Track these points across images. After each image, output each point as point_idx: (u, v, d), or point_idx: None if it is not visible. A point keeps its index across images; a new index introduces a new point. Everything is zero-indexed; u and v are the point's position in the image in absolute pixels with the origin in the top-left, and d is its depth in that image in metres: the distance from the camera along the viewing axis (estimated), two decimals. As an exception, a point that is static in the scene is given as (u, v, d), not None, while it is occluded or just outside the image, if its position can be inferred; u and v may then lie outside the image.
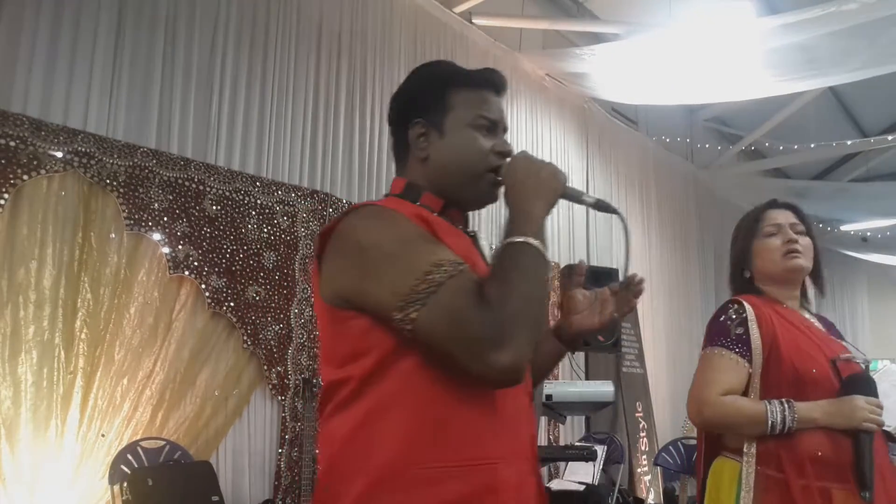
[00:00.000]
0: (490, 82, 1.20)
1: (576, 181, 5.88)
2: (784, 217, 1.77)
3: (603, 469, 4.12)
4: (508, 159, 1.14)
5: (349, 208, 1.10)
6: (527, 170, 1.10)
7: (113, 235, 3.03)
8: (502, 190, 1.13)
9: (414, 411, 0.99)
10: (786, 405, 1.56)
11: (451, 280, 0.95)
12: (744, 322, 1.67)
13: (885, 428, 1.95)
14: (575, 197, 1.14)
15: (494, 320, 0.93)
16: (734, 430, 1.65)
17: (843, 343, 1.75)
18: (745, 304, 1.70)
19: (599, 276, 5.19)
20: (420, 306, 0.95)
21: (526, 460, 1.07)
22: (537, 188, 1.08)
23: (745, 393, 1.65)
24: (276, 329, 3.52)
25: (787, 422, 1.55)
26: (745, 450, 1.61)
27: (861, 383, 1.61)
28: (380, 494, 0.97)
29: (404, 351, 0.99)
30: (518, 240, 1.01)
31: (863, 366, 1.68)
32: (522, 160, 1.12)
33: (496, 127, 1.17)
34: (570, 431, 5.21)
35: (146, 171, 3.13)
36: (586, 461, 3.54)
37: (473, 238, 1.20)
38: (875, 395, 1.60)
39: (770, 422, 1.55)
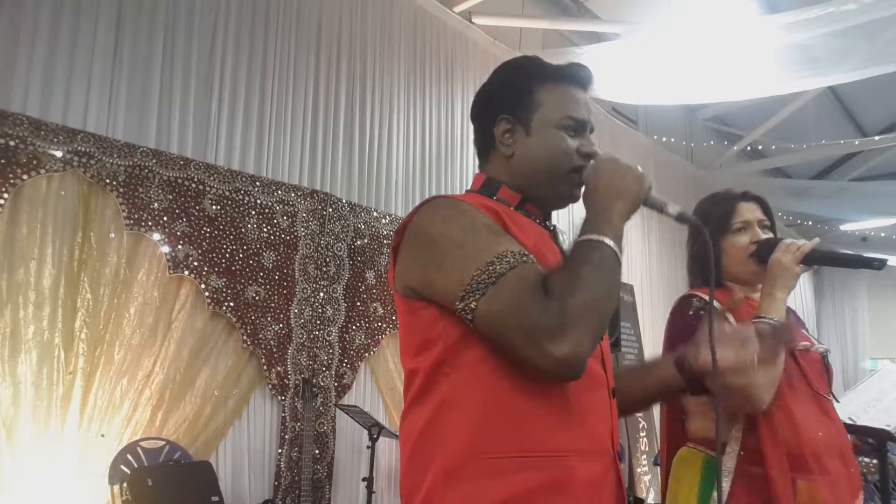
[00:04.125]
0: (576, 78, 1.18)
1: (576, 181, 5.87)
2: (752, 213, 1.71)
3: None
4: (592, 161, 1.14)
5: (423, 201, 1.11)
6: (612, 173, 1.09)
7: (113, 235, 3.02)
8: (582, 190, 1.13)
9: (482, 402, 1.00)
10: (766, 323, 1.50)
11: (512, 271, 0.96)
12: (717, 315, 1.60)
13: (885, 427, 1.94)
14: (657, 205, 1.12)
15: (555, 311, 0.93)
16: (774, 381, 1.50)
17: (804, 333, 1.73)
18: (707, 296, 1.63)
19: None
20: (480, 296, 0.96)
21: (604, 455, 1.05)
22: (620, 192, 1.07)
23: None
24: (276, 329, 3.52)
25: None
26: (728, 447, 1.54)
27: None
28: (452, 483, 0.99)
29: (470, 341, 1.01)
30: (593, 237, 1.01)
31: (823, 355, 1.66)
32: (608, 163, 1.11)
33: (583, 127, 1.16)
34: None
35: (146, 170, 3.13)
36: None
37: (553, 233, 1.19)
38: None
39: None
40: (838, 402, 1.84)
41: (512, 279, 0.96)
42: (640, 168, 1.10)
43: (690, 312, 1.61)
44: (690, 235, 1.79)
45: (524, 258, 0.99)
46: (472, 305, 0.96)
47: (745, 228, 1.69)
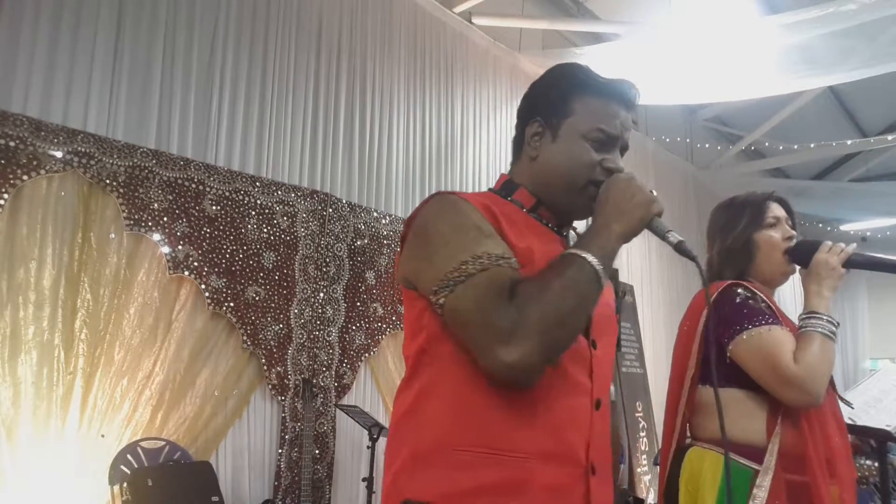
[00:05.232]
0: (618, 94, 1.16)
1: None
2: (780, 210, 1.75)
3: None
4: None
5: (431, 195, 1.13)
6: (622, 190, 1.07)
7: (113, 235, 3.02)
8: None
9: (454, 394, 1.03)
10: (818, 317, 1.54)
11: (484, 272, 0.98)
12: (760, 299, 1.61)
13: (885, 427, 1.94)
14: (659, 231, 1.09)
15: (512, 316, 0.94)
16: (829, 372, 1.53)
17: None
18: (750, 286, 1.64)
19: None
20: (449, 292, 0.99)
21: (573, 464, 1.03)
22: (623, 211, 1.05)
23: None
24: (276, 329, 3.52)
25: (833, 322, 1.54)
26: (767, 450, 1.50)
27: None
28: (416, 469, 1.02)
29: (448, 334, 1.04)
30: (576, 252, 1.00)
31: None
32: (622, 180, 1.09)
33: (613, 142, 1.14)
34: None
35: (146, 171, 3.13)
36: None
37: (566, 238, 1.19)
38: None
39: (828, 332, 1.52)
40: (853, 407, 1.85)
41: (481, 280, 0.97)
42: (653, 192, 1.09)
43: (738, 300, 1.61)
44: (714, 231, 1.80)
45: (500, 261, 0.99)
46: (441, 301, 0.99)
47: (777, 224, 1.71)
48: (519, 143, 1.21)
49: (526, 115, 1.20)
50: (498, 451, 0.99)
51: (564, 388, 1.03)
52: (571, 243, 1.17)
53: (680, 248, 1.09)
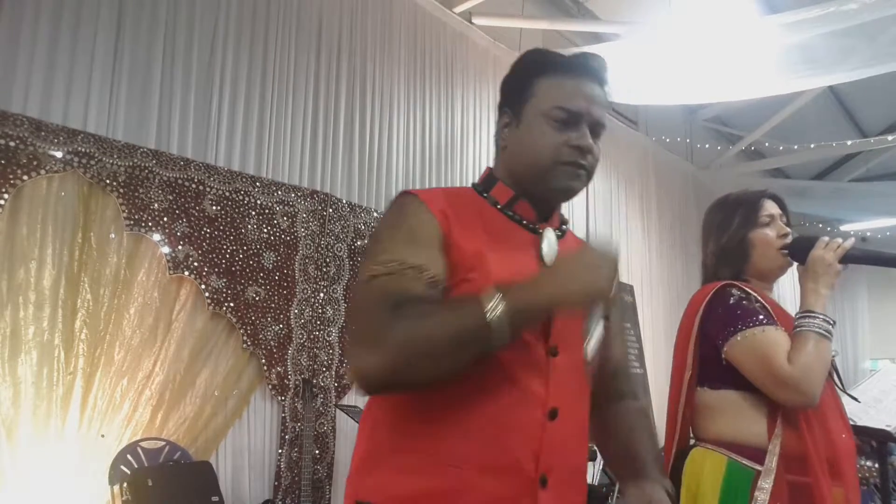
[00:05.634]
0: (580, 69, 1.09)
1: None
2: (774, 208, 1.74)
3: (603, 469, 4.12)
4: (589, 156, 1.09)
5: (396, 194, 1.13)
6: (575, 258, 0.99)
7: (113, 236, 3.02)
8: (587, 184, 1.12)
9: (401, 400, 1.03)
10: (814, 316, 1.52)
11: (386, 276, 0.97)
12: (754, 299, 1.60)
13: (885, 427, 1.94)
14: (589, 323, 1.03)
15: (382, 326, 0.93)
16: (825, 372, 1.51)
17: None
18: (744, 287, 1.63)
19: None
20: (355, 293, 1.07)
21: (516, 476, 0.98)
22: (568, 278, 0.96)
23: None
24: (276, 329, 3.52)
25: (829, 320, 1.52)
26: (768, 449, 1.49)
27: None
28: (364, 471, 1.04)
29: None
30: (483, 301, 0.92)
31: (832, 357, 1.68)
32: (586, 249, 1.01)
33: (577, 119, 1.07)
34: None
35: (146, 171, 3.13)
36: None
37: (541, 236, 1.12)
38: None
39: (823, 330, 1.50)
40: (859, 401, 1.84)
41: (379, 283, 0.97)
42: (612, 284, 0.99)
43: (731, 301, 1.59)
44: (709, 231, 1.79)
45: (407, 270, 0.97)
46: (349, 304, 1.02)
47: (771, 222, 1.70)
48: (496, 137, 1.19)
49: (499, 109, 1.18)
50: (436, 460, 0.98)
51: (512, 397, 0.99)
52: (545, 244, 1.11)
53: (589, 352, 1.03)
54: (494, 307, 0.91)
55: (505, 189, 1.13)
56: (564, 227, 1.20)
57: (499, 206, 1.12)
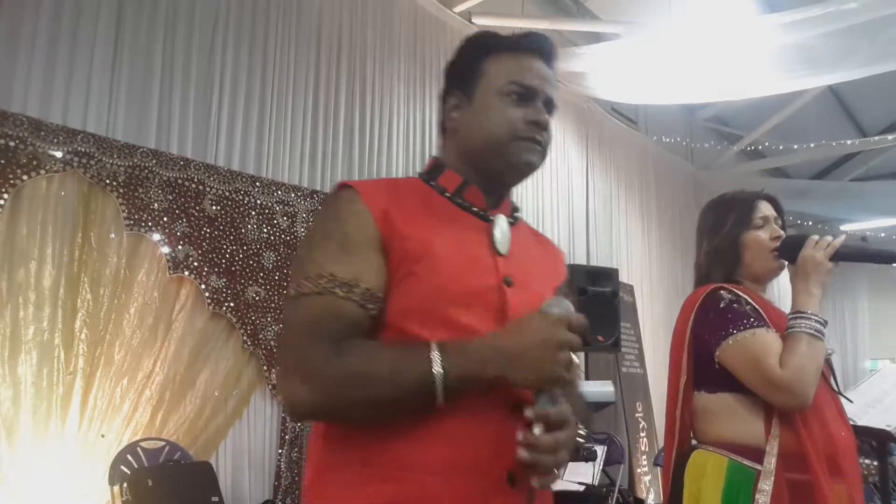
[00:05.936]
0: (530, 47, 1.09)
1: (576, 181, 5.89)
2: (769, 209, 1.72)
3: (603, 469, 4.12)
4: (545, 133, 1.07)
5: (333, 186, 1.08)
6: (530, 332, 0.93)
7: (113, 235, 3.02)
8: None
9: None
10: (805, 318, 1.51)
11: (315, 296, 0.95)
12: (745, 302, 1.59)
13: (885, 427, 1.93)
14: (539, 401, 0.94)
15: (310, 362, 0.92)
16: (817, 373, 1.50)
17: None
18: (734, 290, 1.62)
19: (598, 277, 5.20)
20: (286, 304, 1.01)
21: (482, 476, 0.95)
22: (506, 360, 0.92)
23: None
24: (276, 329, 3.52)
25: (821, 321, 1.51)
26: (766, 450, 1.48)
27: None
28: (316, 487, 1.00)
29: None
30: (428, 353, 0.91)
31: (828, 355, 1.66)
32: (542, 321, 0.94)
33: (531, 94, 1.07)
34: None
35: (146, 171, 3.13)
36: (586, 461, 3.54)
37: (492, 223, 1.08)
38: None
39: (814, 331, 1.50)
40: (851, 402, 1.82)
41: (306, 307, 0.95)
42: (565, 369, 0.93)
43: (722, 305, 1.58)
44: (702, 231, 1.78)
45: (337, 288, 0.95)
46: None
47: (765, 224, 1.69)
48: (441, 122, 1.15)
49: (443, 92, 1.15)
50: (390, 468, 0.95)
51: (481, 399, 0.96)
52: (497, 231, 1.07)
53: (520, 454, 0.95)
54: (440, 376, 0.89)
55: (453, 176, 1.09)
56: (517, 214, 1.16)
57: (447, 194, 1.08)
